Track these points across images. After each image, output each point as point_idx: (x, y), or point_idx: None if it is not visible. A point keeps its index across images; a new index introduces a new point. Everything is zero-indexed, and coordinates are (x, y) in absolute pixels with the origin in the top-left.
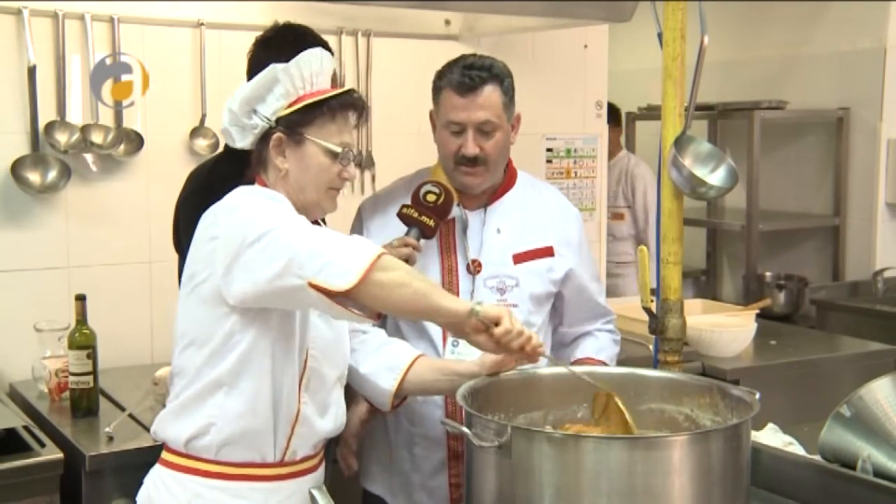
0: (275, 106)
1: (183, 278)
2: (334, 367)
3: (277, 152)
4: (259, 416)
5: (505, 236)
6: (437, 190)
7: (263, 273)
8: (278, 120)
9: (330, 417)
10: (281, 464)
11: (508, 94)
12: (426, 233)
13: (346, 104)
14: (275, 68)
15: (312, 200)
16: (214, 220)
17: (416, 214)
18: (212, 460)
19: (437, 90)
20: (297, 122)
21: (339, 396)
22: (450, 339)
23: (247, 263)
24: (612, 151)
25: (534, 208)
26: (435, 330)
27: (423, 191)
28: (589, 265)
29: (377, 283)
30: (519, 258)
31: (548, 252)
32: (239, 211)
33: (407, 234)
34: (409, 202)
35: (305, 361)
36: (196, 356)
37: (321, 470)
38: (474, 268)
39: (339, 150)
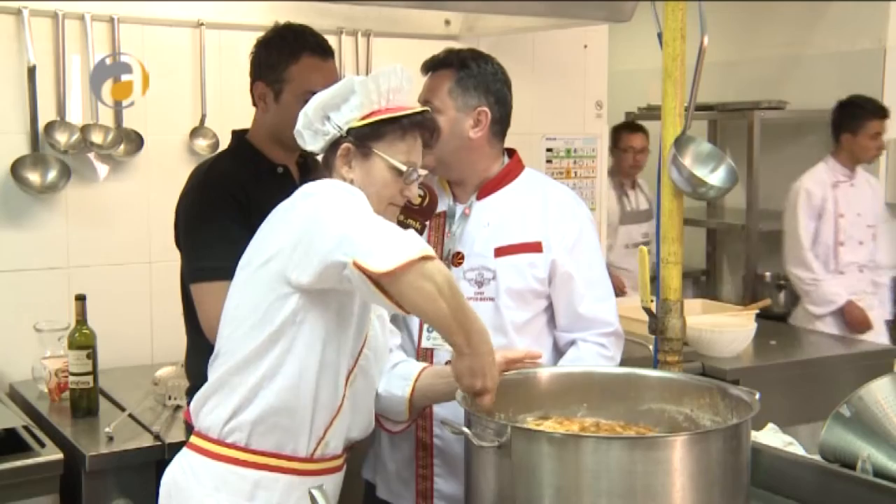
0: (348, 116)
1: (244, 261)
2: (379, 373)
3: (344, 162)
4: (299, 399)
5: (492, 230)
6: (421, 191)
7: (322, 249)
8: (349, 130)
9: (363, 422)
10: (310, 459)
11: (463, 83)
12: (417, 233)
13: (417, 124)
14: (352, 80)
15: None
16: (292, 205)
17: (402, 218)
18: (242, 447)
19: None
20: (368, 135)
21: (372, 405)
22: (426, 327)
23: (312, 243)
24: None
25: (529, 204)
26: (413, 321)
27: None
28: (587, 270)
29: (411, 282)
30: (500, 251)
31: (534, 247)
32: (314, 197)
33: None
34: None
35: (358, 357)
36: (248, 335)
37: (343, 472)
38: (456, 260)
39: (404, 168)
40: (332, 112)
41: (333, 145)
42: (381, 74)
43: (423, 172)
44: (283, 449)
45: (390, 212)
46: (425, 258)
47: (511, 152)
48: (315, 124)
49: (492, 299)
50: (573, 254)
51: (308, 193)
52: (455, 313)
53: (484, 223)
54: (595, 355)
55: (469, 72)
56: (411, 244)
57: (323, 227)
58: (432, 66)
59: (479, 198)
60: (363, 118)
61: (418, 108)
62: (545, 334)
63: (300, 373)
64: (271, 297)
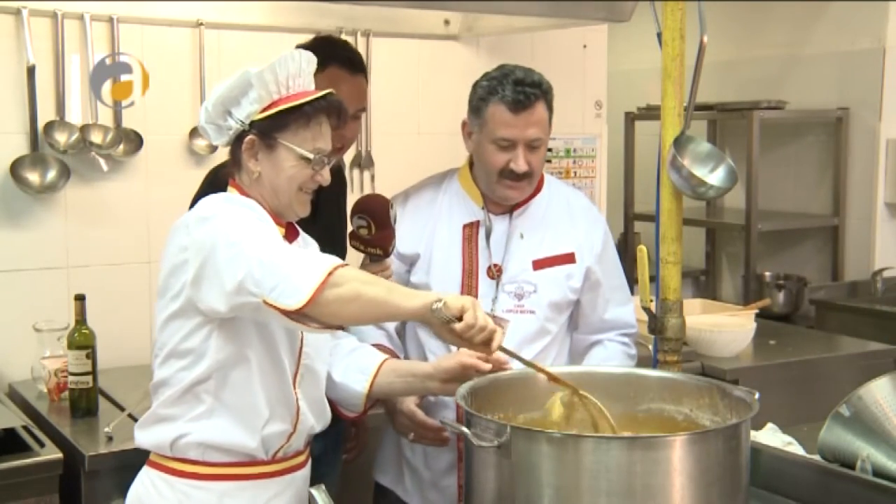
0: (248, 110)
1: (160, 281)
2: (324, 363)
3: (250, 155)
4: (249, 419)
5: (527, 242)
6: (364, 223)
7: (226, 287)
8: (252, 123)
9: (320, 414)
10: (272, 461)
11: (552, 108)
12: (381, 257)
13: (321, 109)
14: (248, 73)
15: (285, 203)
16: (186, 230)
17: (362, 248)
18: (200, 461)
19: (482, 103)
20: (271, 127)
21: (324, 394)
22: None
23: (214, 275)
24: None
25: (558, 214)
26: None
27: (354, 226)
28: (613, 275)
29: (328, 301)
30: (539, 264)
31: (569, 259)
32: (210, 221)
33: (365, 266)
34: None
35: (299, 358)
36: (177, 366)
37: (308, 467)
38: (495, 272)
39: (311, 156)
40: (232, 107)
41: (238, 139)
42: (277, 63)
43: (329, 156)
44: (241, 458)
45: (300, 199)
46: (331, 272)
47: None
48: (217, 120)
49: (532, 312)
50: (601, 261)
51: (202, 217)
52: (390, 291)
53: (518, 234)
54: (621, 354)
55: (551, 95)
56: (313, 266)
57: (222, 264)
58: (528, 102)
59: (514, 209)
60: (264, 110)
61: (321, 93)
62: (566, 338)
63: (243, 396)
64: (188, 328)
